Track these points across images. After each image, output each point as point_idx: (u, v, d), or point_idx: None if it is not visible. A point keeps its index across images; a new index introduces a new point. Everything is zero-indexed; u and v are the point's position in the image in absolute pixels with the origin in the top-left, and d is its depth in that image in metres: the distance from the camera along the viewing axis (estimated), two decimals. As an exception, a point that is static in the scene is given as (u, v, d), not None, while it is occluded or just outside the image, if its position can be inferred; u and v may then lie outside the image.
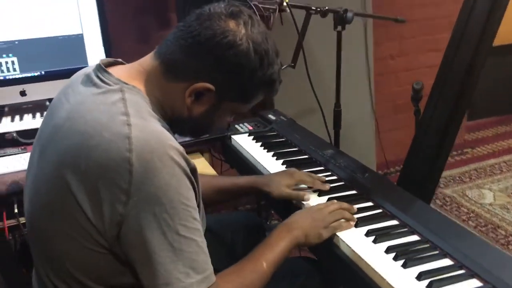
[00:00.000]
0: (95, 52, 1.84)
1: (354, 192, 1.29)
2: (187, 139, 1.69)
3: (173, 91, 0.93)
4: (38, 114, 1.79)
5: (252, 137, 1.69)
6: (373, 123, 2.67)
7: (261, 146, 1.61)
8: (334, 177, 1.37)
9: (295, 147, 1.58)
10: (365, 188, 1.28)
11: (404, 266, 0.97)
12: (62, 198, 0.84)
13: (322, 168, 1.43)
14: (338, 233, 1.11)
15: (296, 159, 1.50)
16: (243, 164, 1.59)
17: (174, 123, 0.97)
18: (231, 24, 0.90)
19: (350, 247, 1.06)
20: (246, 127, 1.81)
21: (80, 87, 0.93)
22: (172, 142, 0.85)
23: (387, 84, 2.83)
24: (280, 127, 1.74)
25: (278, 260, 1.03)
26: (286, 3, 1.27)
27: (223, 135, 1.74)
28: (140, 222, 0.81)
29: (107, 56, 1.84)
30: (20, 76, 1.79)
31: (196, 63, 0.91)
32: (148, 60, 0.96)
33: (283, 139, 1.65)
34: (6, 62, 1.75)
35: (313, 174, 1.32)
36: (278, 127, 1.75)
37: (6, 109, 1.81)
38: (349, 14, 1.49)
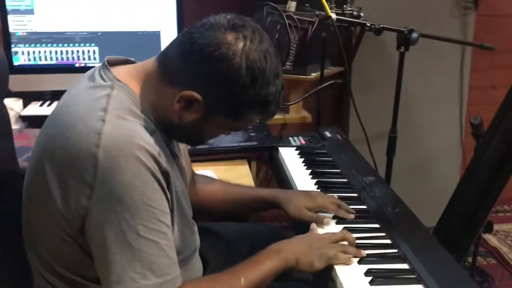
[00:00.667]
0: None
1: (376, 225, 1.18)
2: (235, 144, 1.71)
3: (166, 95, 0.92)
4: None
5: (298, 151, 1.63)
6: (460, 156, 2.44)
7: (303, 162, 1.55)
8: (363, 207, 1.27)
9: (337, 169, 1.49)
10: (389, 224, 1.17)
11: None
12: (38, 184, 0.87)
13: (354, 195, 1.33)
14: (336, 266, 1.02)
15: (330, 181, 1.41)
16: (281, 178, 1.54)
17: (167, 128, 0.97)
18: (229, 37, 0.87)
19: (342, 284, 0.97)
20: (298, 140, 1.75)
21: (84, 80, 0.96)
22: (142, 143, 0.84)
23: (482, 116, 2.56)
24: (331, 146, 1.66)
25: (260, 280, 0.97)
26: (330, 17, 1.19)
27: (271, 145, 1.70)
28: (101, 218, 0.82)
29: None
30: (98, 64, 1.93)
31: (187, 70, 0.90)
32: (150, 62, 0.96)
33: (328, 159, 1.57)
34: (88, 51, 1.90)
35: (339, 201, 1.24)
36: (329, 145, 1.67)
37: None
38: (414, 35, 1.36)
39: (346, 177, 1.43)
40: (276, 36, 1.19)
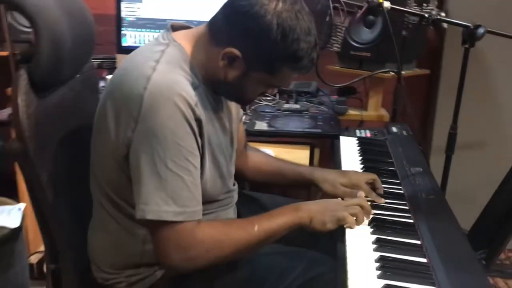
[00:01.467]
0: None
1: (404, 207, 1.20)
2: (298, 129, 1.80)
3: (214, 54, 1.04)
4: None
5: (358, 141, 1.67)
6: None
7: (358, 150, 1.59)
8: (399, 191, 1.29)
9: (389, 159, 1.51)
10: (418, 210, 1.18)
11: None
12: (101, 118, 1.04)
13: (395, 180, 1.35)
14: (347, 230, 1.07)
15: (376, 167, 1.44)
16: (335, 163, 1.59)
17: (216, 85, 1.09)
18: None
19: (346, 247, 1.02)
20: (364, 133, 1.79)
21: (152, 40, 1.14)
22: (182, 91, 0.97)
23: None
24: (393, 140, 1.67)
25: (273, 232, 1.06)
26: (381, 4, 1.23)
27: (334, 133, 1.77)
28: (139, 148, 0.96)
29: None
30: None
31: (229, 29, 1.02)
32: (203, 26, 1.09)
33: (384, 150, 1.59)
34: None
35: (375, 177, 1.28)
36: (392, 139, 1.68)
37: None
38: (480, 31, 1.34)
39: (394, 166, 1.45)
40: (327, 19, 1.27)
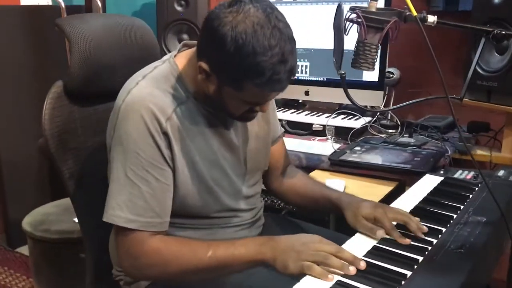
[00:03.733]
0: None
1: (415, 256, 0.98)
2: (382, 163, 1.63)
3: (197, 69, 1.05)
4: (305, 113, 2.12)
5: (441, 182, 1.42)
6: None
7: (432, 189, 1.36)
8: (431, 239, 1.06)
9: (459, 204, 1.24)
10: (429, 262, 0.95)
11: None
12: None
13: (439, 227, 1.11)
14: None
15: (428, 210, 1.21)
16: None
17: (205, 99, 1.09)
18: (224, 11, 0.96)
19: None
20: (465, 175, 1.51)
21: None
22: (151, 105, 1.02)
23: None
24: (493, 185, 1.37)
25: (227, 262, 1.01)
26: (416, 18, 1.01)
27: (419, 171, 1.54)
28: (112, 153, 1.06)
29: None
30: (308, 78, 2.15)
31: (199, 43, 1.04)
32: None
33: (463, 194, 1.31)
34: (300, 66, 2.15)
35: (406, 217, 1.10)
36: (491, 183, 1.38)
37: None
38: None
39: (456, 213, 1.19)
40: (358, 37, 1.14)
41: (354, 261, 0.93)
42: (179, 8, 2.51)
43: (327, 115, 2.11)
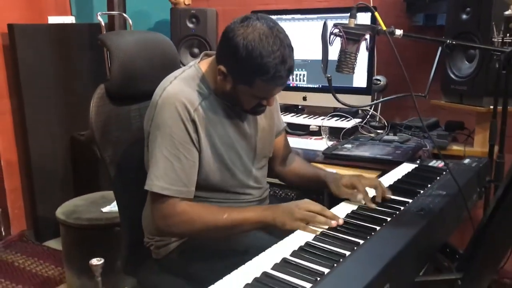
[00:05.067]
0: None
1: (384, 217, 1.26)
2: (366, 154, 1.90)
3: (216, 71, 1.34)
4: (304, 116, 2.40)
5: (414, 168, 1.70)
6: None
7: (404, 175, 1.63)
8: (399, 206, 1.33)
9: (428, 183, 1.52)
10: (393, 220, 1.23)
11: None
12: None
13: (406, 199, 1.39)
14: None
15: (401, 186, 1.49)
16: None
17: (223, 95, 1.37)
18: (237, 25, 1.26)
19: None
20: (437, 163, 1.79)
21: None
22: (183, 98, 1.30)
23: None
24: (455, 170, 1.64)
25: (239, 222, 1.28)
26: (385, 32, 1.30)
27: (398, 160, 1.81)
28: (151, 137, 1.34)
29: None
30: (305, 85, 2.45)
31: (219, 50, 1.33)
32: None
33: (431, 176, 1.58)
34: (298, 74, 2.44)
35: (378, 184, 1.38)
36: (454, 169, 1.65)
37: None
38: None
39: (422, 189, 1.47)
40: (340, 47, 1.43)
41: (334, 217, 1.22)
42: (190, 25, 2.82)
43: (322, 117, 2.40)
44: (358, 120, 2.34)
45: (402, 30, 1.39)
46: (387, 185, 1.51)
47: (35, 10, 3.06)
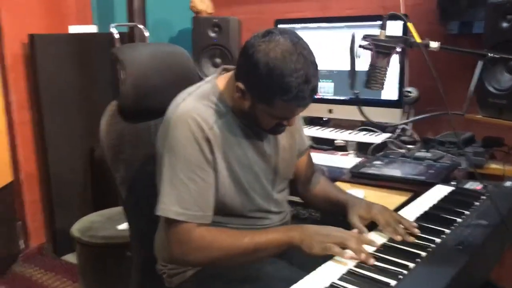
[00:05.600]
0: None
1: (418, 252, 1.13)
2: (397, 174, 1.77)
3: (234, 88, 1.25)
4: (329, 129, 2.28)
5: (450, 191, 1.56)
6: None
7: (439, 200, 1.49)
8: (436, 238, 1.20)
9: (465, 210, 1.38)
10: (430, 257, 1.10)
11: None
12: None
13: (443, 229, 1.25)
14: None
15: (436, 213, 1.35)
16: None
17: (241, 114, 1.27)
18: (259, 40, 1.16)
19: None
20: (475, 185, 1.64)
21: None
22: (196, 116, 1.20)
23: None
24: (495, 193, 1.50)
25: (262, 245, 1.18)
26: (421, 44, 1.16)
27: (431, 181, 1.67)
28: (163, 157, 1.23)
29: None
30: (332, 97, 2.32)
31: (238, 66, 1.23)
32: None
33: (469, 203, 1.45)
34: (324, 86, 2.32)
35: (399, 218, 1.25)
36: (496, 194, 1.51)
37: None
38: None
39: (460, 217, 1.33)
40: (370, 61, 1.30)
41: (368, 257, 1.09)
42: (212, 34, 2.73)
43: (349, 131, 2.27)
44: (388, 134, 2.21)
45: (438, 43, 1.26)
46: (420, 212, 1.38)
47: (56, 19, 3.02)
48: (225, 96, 1.29)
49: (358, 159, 2.03)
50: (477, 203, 1.44)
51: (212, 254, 1.19)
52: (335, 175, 1.91)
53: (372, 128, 2.27)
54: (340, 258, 1.10)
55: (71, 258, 2.90)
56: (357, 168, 1.88)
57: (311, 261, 1.12)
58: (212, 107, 1.27)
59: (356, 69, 1.34)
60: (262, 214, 1.37)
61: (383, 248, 1.16)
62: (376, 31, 1.29)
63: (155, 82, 1.46)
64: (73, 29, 2.96)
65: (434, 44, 1.25)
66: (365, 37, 1.26)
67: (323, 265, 1.08)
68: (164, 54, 1.53)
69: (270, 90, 1.15)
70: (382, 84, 1.30)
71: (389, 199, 1.72)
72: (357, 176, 1.85)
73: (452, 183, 1.66)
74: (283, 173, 1.42)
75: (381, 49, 1.24)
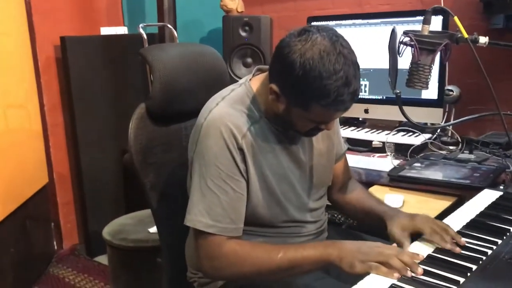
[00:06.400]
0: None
1: (469, 265, 1.04)
2: (439, 178, 1.67)
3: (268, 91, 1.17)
4: (365, 130, 2.19)
5: (500, 196, 1.45)
6: None
7: (488, 205, 1.39)
8: (484, 249, 1.11)
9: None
10: (483, 271, 1.01)
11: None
12: None
13: (493, 239, 1.15)
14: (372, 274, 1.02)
15: (485, 221, 1.25)
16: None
17: (275, 118, 1.20)
18: (293, 40, 1.08)
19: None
20: (525, 190, 1.53)
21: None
22: (229, 123, 1.14)
23: None
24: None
25: (297, 262, 1.10)
26: (468, 40, 1.06)
27: (477, 186, 1.57)
28: (194, 165, 1.18)
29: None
30: (367, 97, 2.23)
31: (272, 67, 1.15)
32: None
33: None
34: (361, 85, 2.23)
35: (446, 228, 1.16)
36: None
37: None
38: None
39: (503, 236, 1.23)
40: (412, 58, 1.21)
41: (413, 266, 1.01)
42: (243, 34, 2.67)
43: (386, 132, 2.17)
44: (428, 135, 2.10)
45: (487, 38, 1.17)
46: (467, 220, 1.29)
47: (87, 21, 3.03)
48: (258, 99, 1.22)
49: (397, 161, 1.93)
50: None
51: (244, 269, 1.13)
52: (372, 178, 1.83)
53: (410, 129, 2.16)
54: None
55: (104, 259, 2.89)
56: (396, 171, 1.79)
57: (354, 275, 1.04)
58: (246, 112, 1.20)
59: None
60: (297, 224, 1.30)
61: (429, 260, 1.07)
62: (413, 27, 1.21)
63: (184, 83, 1.40)
64: (104, 30, 2.95)
65: (483, 40, 1.15)
66: (407, 33, 1.17)
67: (364, 279, 1.00)
68: (194, 54, 1.48)
69: (306, 93, 1.07)
70: (427, 83, 1.21)
71: (431, 204, 1.62)
72: (396, 180, 1.76)
73: (500, 187, 1.55)
74: (320, 180, 1.34)
75: (425, 45, 1.15)
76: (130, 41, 2.92)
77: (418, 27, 1.21)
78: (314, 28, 1.09)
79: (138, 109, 1.36)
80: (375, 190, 1.74)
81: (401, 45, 1.20)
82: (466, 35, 1.13)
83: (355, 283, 0.99)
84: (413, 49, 1.18)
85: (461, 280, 0.98)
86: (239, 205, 1.16)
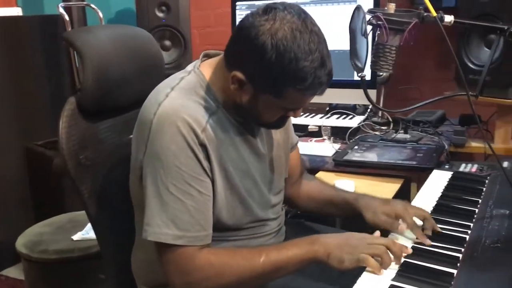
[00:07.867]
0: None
1: (455, 254, 1.00)
2: (387, 160, 1.65)
3: (228, 79, 1.03)
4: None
5: (451, 177, 1.45)
6: None
7: (445, 186, 1.38)
8: (462, 235, 1.08)
9: (476, 198, 1.28)
10: (471, 259, 0.97)
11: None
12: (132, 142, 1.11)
13: (466, 222, 1.14)
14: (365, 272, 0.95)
15: (452, 206, 1.23)
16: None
17: (235, 108, 1.07)
18: (259, 19, 0.95)
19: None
20: (469, 168, 1.55)
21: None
22: (186, 116, 0.98)
23: None
24: (498, 178, 1.41)
25: (282, 264, 1.00)
26: (436, 18, 1.03)
27: (426, 167, 1.57)
28: (146, 170, 1.01)
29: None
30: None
31: (233, 53, 1.02)
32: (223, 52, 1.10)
33: (476, 187, 1.35)
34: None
35: (426, 215, 1.12)
36: (496, 176, 1.42)
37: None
38: None
39: (476, 207, 1.23)
40: (376, 39, 1.15)
41: (399, 259, 0.97)
42: (160, 14, 2.46)
43: (320, 115, 2.12)
44: (361, 117, 2.08)
45: (452, 16, 1.13)
46: (432, 203, 1.26)
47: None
48: (213, 88, 1.07)
49: (337, 145, 1.89)
50: (483, 188, 1.34)
51: (222, 281, 1.00)
52: (316, 164, 1.77)
53: (343, 111, 2.14)
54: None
55: (12, 272, 2.56)
56: (340, 156, 1.74)
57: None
58: (201, 103, 1.05)
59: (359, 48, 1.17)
60: (260, 223, 1.18)
61: (414, 254, 1.01)
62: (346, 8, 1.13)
63: (119, 72, 1.21)
64: (-4, 12, 2.57)
65: (448, 18, 1.11)
66: (373, 12, 1.09)
67: (363, 279, 0.92)
68: (125, 37, 1.29)
69: (280, 78, 0.95)
70: (393, 65, 1.14)
71: (380, 187, 1.60)
72: (342, 165, 1.71)
73: (446, 166, 1.56)
74: (279, 172, 1.24)
75: (393, 25, 1.08)
76: (28, 23, 2.57)
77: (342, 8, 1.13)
78: (280, 5, 0.97)
79: (68, 105, 1.14)
80: (322, 176, 1.68)
81: (363, 25, 1.11)
82: (434, 14, 1.08)
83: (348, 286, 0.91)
84: (379, 29, 1.10)
85: (454, 271, 0.93)
86: (207, 208, 1.02)
